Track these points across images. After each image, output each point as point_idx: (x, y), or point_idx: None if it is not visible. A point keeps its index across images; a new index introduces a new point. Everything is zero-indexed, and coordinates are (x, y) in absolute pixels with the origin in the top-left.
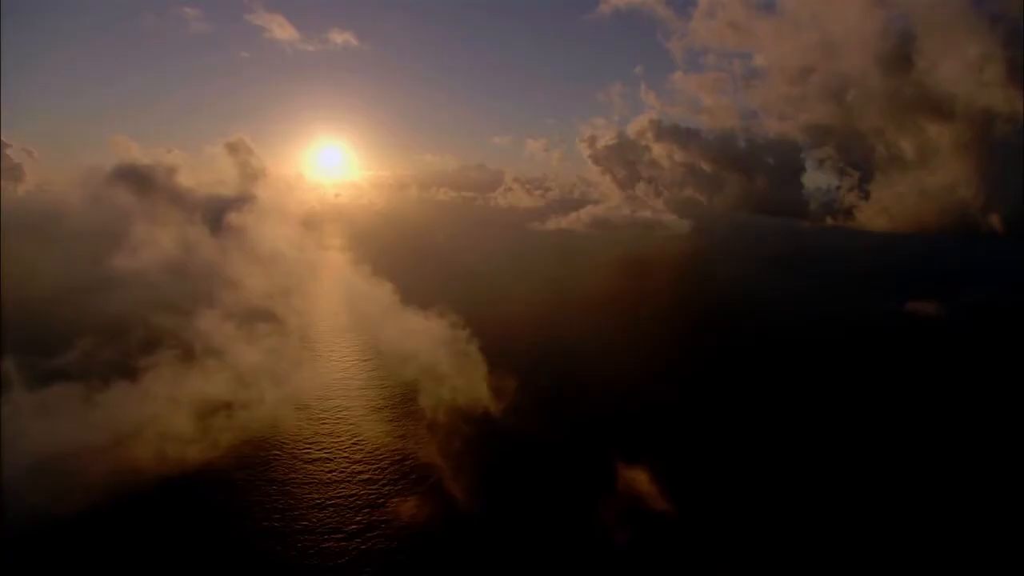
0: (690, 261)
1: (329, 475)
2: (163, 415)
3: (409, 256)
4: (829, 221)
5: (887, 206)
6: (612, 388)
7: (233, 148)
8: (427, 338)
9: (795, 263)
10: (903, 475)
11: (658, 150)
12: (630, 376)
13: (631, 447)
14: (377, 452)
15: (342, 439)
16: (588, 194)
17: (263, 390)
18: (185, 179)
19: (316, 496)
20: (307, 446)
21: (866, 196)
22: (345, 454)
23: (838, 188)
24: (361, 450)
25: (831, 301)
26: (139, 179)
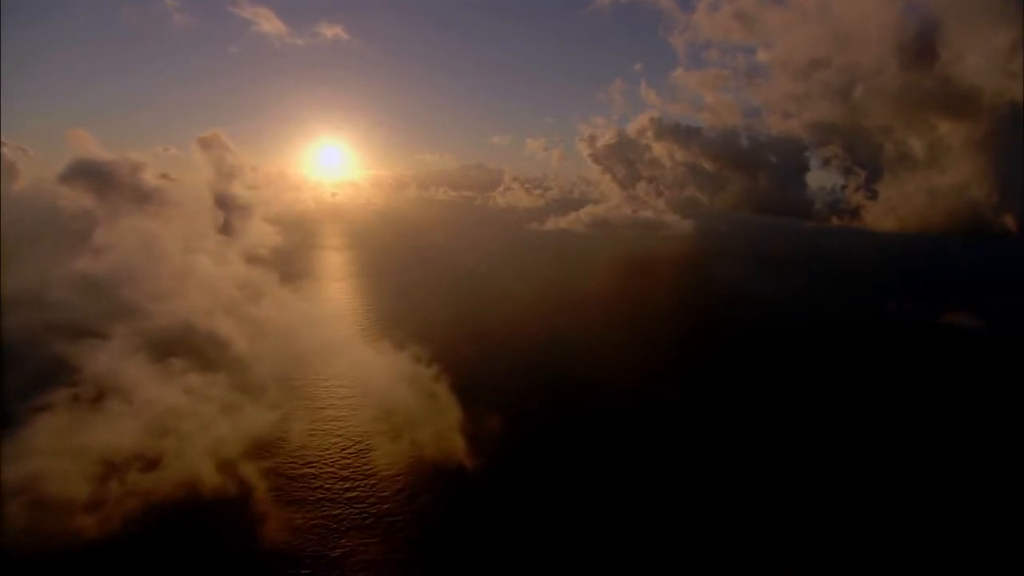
0: (693, 262)
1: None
2: (48, 475)
3: (406, 256)
4: (835, 221)
5: (895, 206)
6: (615, 409)
7: (207, 144)
8: (388, 374)
9: (801, 264)
10: (912, 482)
11: (659, 149)
12: (633, 390)
13: (637, 496)
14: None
15: (330, 452)
16: (588, 194)
17: (182, 442)
18: (151, 177)
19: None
20: (291, 459)
21: (873, 196)
22: (331, 469)
23: (844, 187)
24: (349, 466)
25: (838, 303)
26: (98, 177)
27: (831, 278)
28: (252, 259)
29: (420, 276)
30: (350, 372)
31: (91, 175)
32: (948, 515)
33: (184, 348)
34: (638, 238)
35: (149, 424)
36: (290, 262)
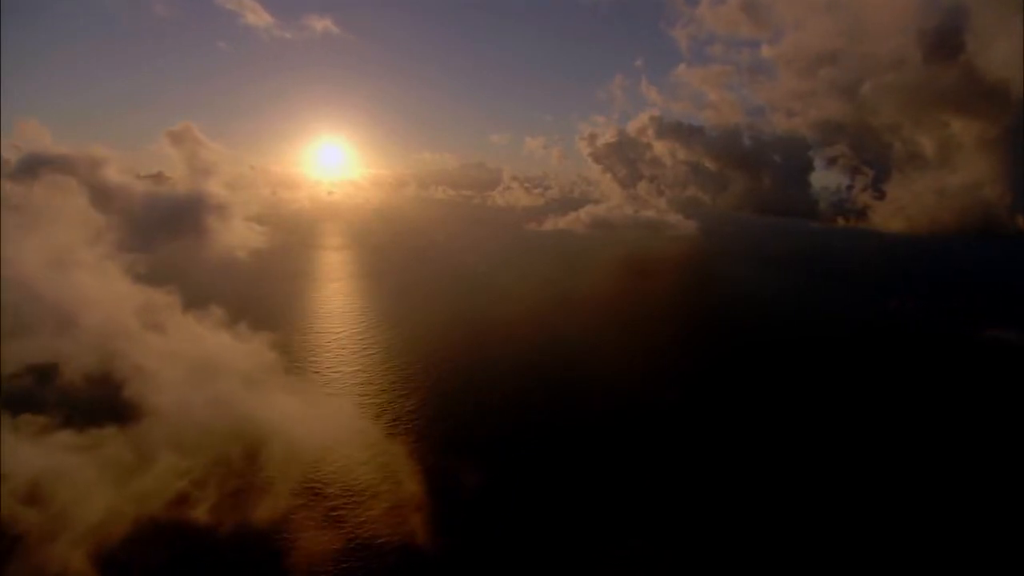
0: (696, 263)
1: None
2: None
3: (402, 256)
4: (840, 222)
5: (904, 206)
6: (612, 413)
7: (178, 138)
8: (328, 427)
9: (806, 266)
10: (919, 496)
11: (660, 148)
12: (633, 393)
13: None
14: None
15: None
16: (589, 193)
17: (51, 520)
18: (115, 174)
19: None
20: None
21: (881, 196)
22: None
23: (849, 187)
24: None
25: (844, 306)
26: (52, 173)
27: (837, 280)
28: (141, 278)
29: (416, 277)
30: (278, 424)
31: (45, 171)
32: (952, 522)
33: (61, 393)
34: (640, 238)
35: (10, 496)
36: (274, 263)
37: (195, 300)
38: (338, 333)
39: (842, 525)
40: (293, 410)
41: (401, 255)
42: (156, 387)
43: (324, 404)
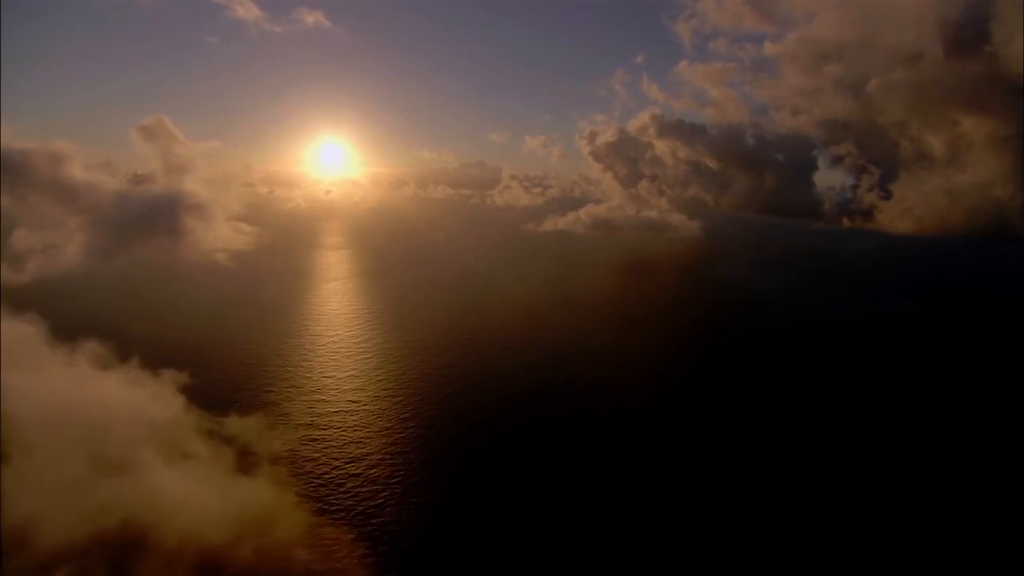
0: (699, 265)
1: None
2: None
3: (395, 258)
4: (845, 223)
5: (911, 206)
6: (608, 421)
7: (150, 133)
8: (245, 495)
9: (811, 268)
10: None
11: (661, 147)
12: (633, 401)
13: None
14: None
15: None
16: (590, 192)
17: None
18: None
19: None
20: None
21: (887, 196)
22: None
23: (854, 187)
24: None
25: (851, 309)
26: (10, 170)
27: (842, 282)
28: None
29: (413, 278)
30: (181, 497)
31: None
32: (951, 523)
33: None
34: (641, 239)
35: None
36: (258, 265)
37: (127, 322)
38: (332, 336)
39: (842, 525)
40: (204, 476)
41: (398, 255)
42: (20, 448)
43: (247, 462)
